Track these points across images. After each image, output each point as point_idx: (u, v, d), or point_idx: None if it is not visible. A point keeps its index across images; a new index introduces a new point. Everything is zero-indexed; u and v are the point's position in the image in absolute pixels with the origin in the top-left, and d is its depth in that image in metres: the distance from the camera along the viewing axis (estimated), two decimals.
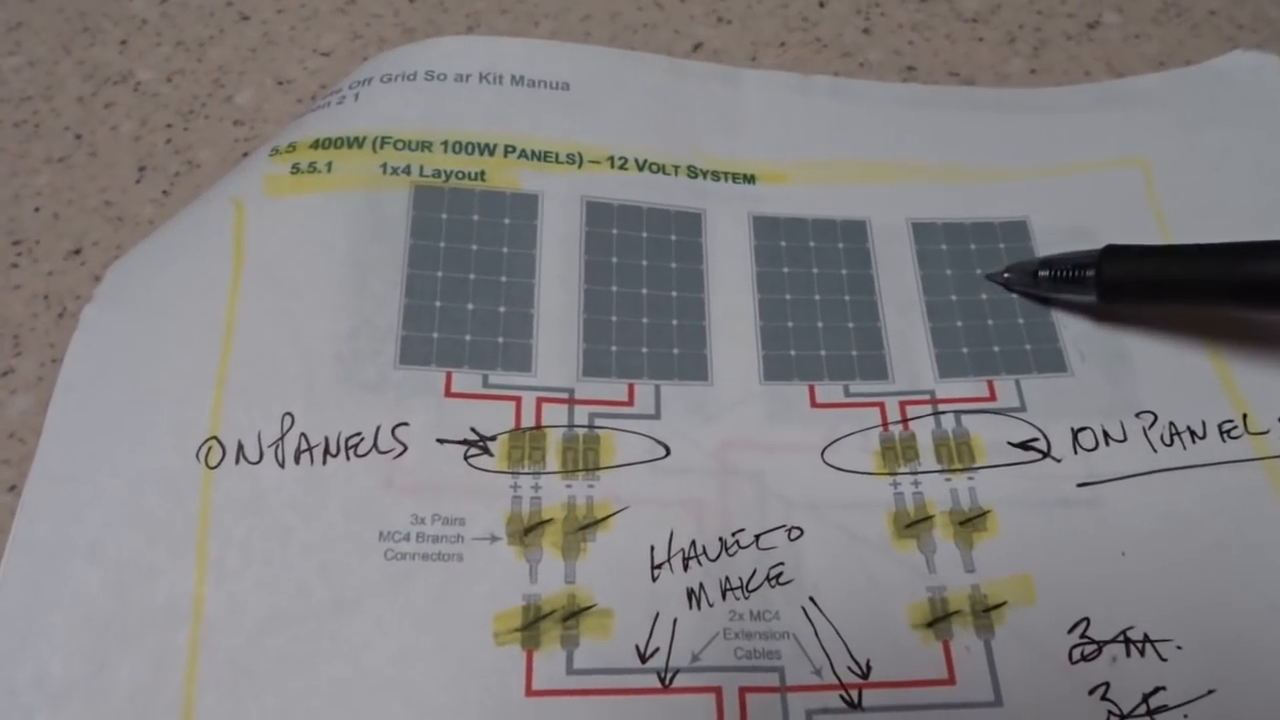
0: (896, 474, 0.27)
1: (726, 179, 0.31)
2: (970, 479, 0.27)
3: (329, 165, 0.29)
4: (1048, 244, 0.30)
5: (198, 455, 0.25)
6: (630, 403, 0.27)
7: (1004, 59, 0.36)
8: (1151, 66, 0.36)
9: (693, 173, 0.31)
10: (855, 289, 0.30)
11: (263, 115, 0.34)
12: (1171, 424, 0.28)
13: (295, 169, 0.29)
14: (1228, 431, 0.27)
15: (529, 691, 0.23)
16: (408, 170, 0.29)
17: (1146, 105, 0.34)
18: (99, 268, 0.31)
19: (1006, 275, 0.30)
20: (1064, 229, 0.31)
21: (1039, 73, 0.36)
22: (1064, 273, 0.28)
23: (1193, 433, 0.27)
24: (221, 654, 0.23)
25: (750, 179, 0.31)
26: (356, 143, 0.30)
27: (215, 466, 0.25)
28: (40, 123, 0.34)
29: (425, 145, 0.30)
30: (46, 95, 0.35)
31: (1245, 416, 0.28)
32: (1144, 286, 0.28)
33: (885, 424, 0.28)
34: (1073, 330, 0.29)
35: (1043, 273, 0.29)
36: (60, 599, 0.23)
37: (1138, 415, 0.28)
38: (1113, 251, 0.28)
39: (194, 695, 0.23)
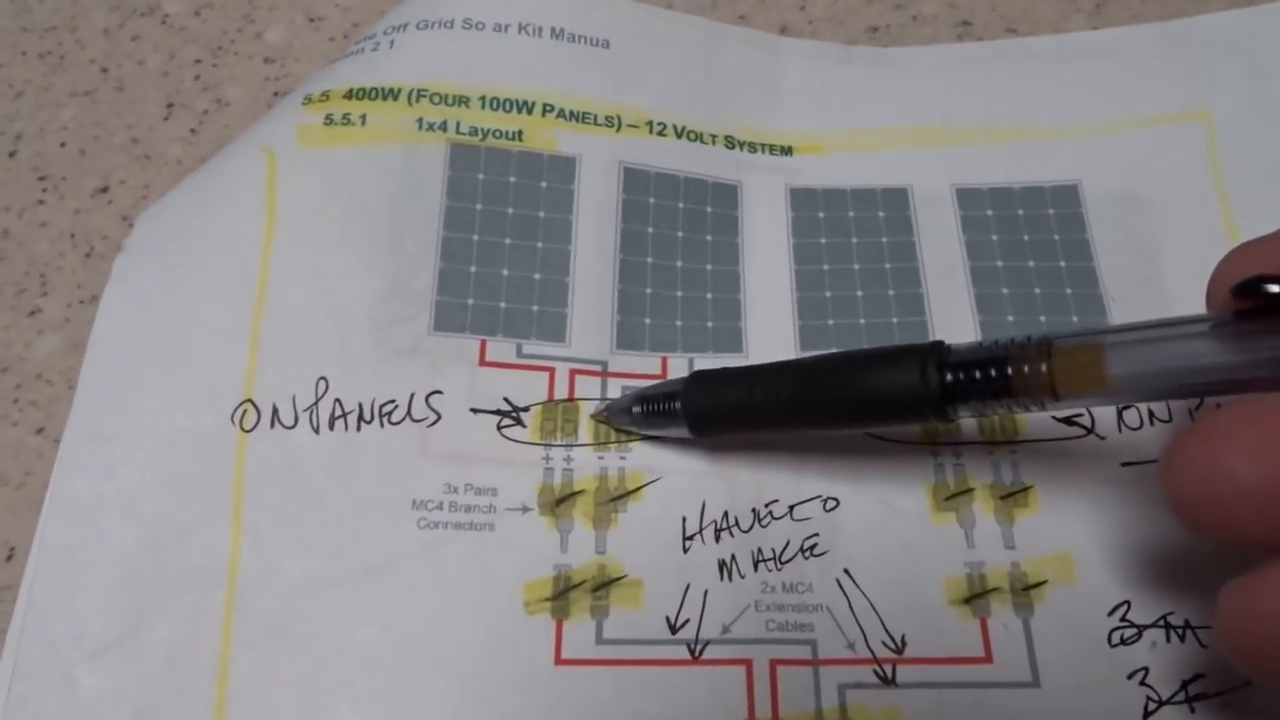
0: (937, 445, 0.27)
1: (763, 150, 0.31)
2: (1013, 453, 0.27)
3: (363, 118, 0.29)
4: (1099, 210, 0.29)
5: (232, 418, 0.25)
6: (664, 376, 0.27)
7: (1065, 14, 0.35)
8: None
9: (730, 143, 0.30)
10: (896, 256, 0.29)
11: (293, 54, 0.33)
12: (1218, 405, 0.27)
13: (329, 119, 0.28)
14: None
15: (558, 660, 0.24)
16: (444, 126, 0.29)
17: (1213, 49, 0.31)
18: (126, 207, 0.30)
19: (605, 415, 0.27)
20: (1117, 194, 0.30)
21: (1101, 30, 0.34)
22: (655, 406, 0.26)
23: None
24: (256, 616, 0.23)
25: (787, 151, 0.31)
26: (391, 94, 0.29)
27: (250, 430, 0.25)
28: (65, 54, 0.33)
29: (462, 100, 0.29)
30: (71, 26, 0.34)
31: None
32: (731, 416, 0.25)
33: None
34: (1120, 305, 0.28)
35: (636, 409, 0.26)
36: (98, 557, 0.23)
37: None
38: (697, 380, 0.25)
39: (229, 656, 0.23)
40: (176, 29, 0.34)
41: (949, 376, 0.22)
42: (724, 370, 0.25)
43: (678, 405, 0.25)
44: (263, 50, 0.34)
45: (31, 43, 0.33)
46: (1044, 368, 0.21)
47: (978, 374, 0.21)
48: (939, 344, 0.22)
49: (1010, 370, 0.21)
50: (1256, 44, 0.31)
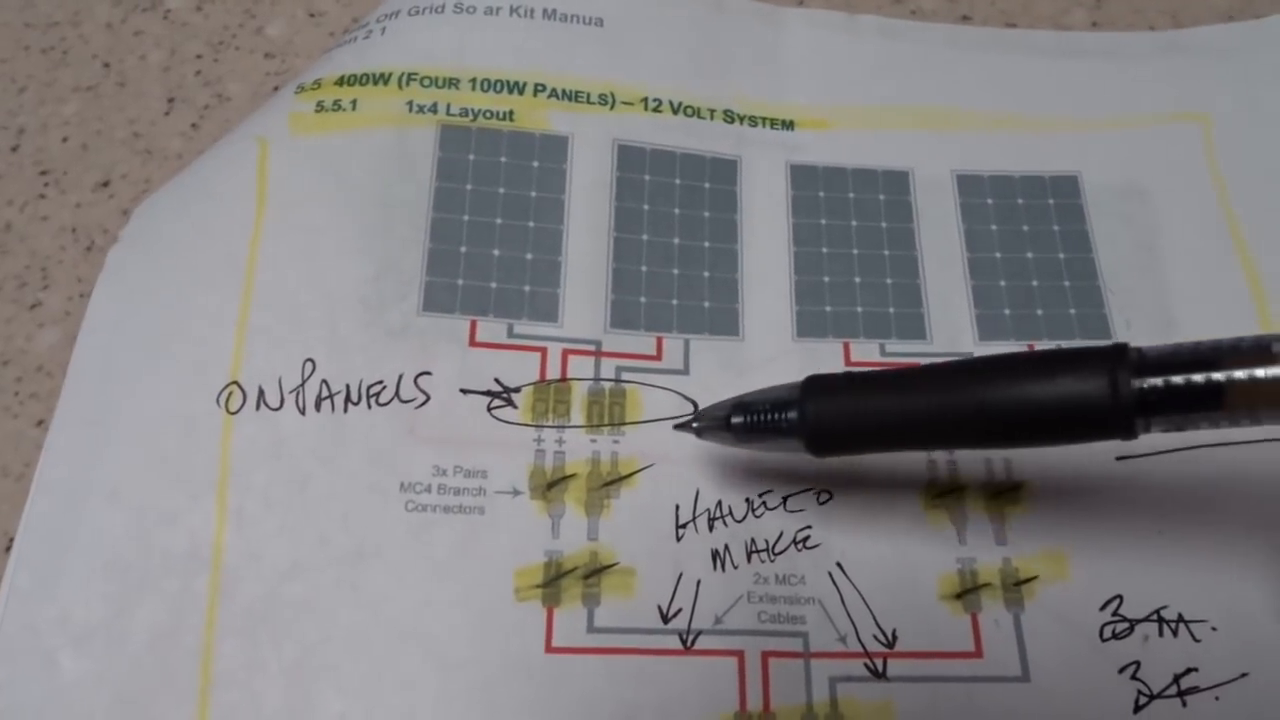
0: None
1: (764, 124, 0.30)
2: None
3: (354, 103, 0.28)
4: (1099, 202, 0.29)
5: (218, 400, 0.25)
6: (658, 357, 0.27)
7: (1064, 9, 0.34)
8: (1219, 20, 0.34)
9: (729, 117, 0.30)
10: (895, 243, 0.29)
11: (294, 49, 0.33)
12: None
13: (320, 107, 0.28)
14: None
15: (549, 648, 0.23)
16: (434, 109, 0.29)
17: (1209, 57, 0.32)
18: (127, 201, 0.30)
19: (696, 425, 0.24)
20: (1117, 186, 0.30)
21: (1100, 25, 0.34)
22: (761, 418, 0.22)
23: None
24: (241, 601, 0.23)
25: (789, 125, 0.30)
26: (382, 79, 0.29)
27: (236, 412, 0.25)
28: (68, 49, 0.33)
29: (453, 82, 0.29)
30: (75, 21, 0.34)
31: None
32: (861, 433, 0.22)
33: None
34: (1119, 298, 0.28)
35: (736, 419, 0.23)
36: (82, 541, 0.23)
37: None
38: (815, 386, 0.22)
39: (213, 641, 0.23)
40: (178, 24, 0.34)
41: (1144, 384, 0.19)
42: (845, 375, 0.23)
43: (791, 416, 0.22)
44: (264, 45, 0.34)
45: (35, 38, 0.34)
46: (1262, 374, 0.18)
47: (1180, 381, 0.19)
48: (1123, 346, 0.19)
49: (1223, 377, 0.18)
50: (1249, 55, 0.32)
